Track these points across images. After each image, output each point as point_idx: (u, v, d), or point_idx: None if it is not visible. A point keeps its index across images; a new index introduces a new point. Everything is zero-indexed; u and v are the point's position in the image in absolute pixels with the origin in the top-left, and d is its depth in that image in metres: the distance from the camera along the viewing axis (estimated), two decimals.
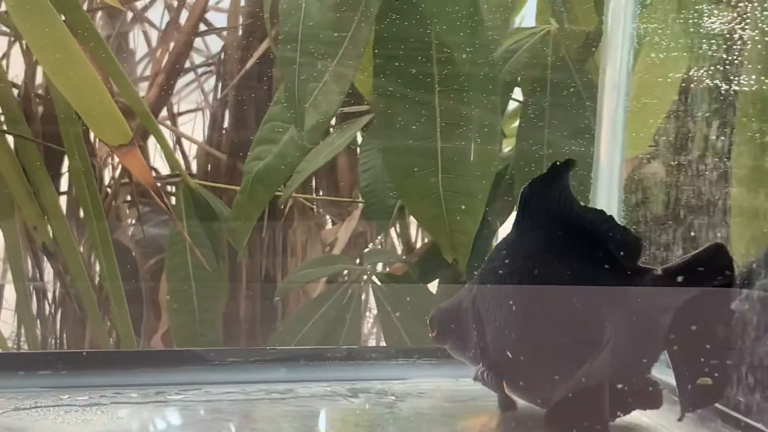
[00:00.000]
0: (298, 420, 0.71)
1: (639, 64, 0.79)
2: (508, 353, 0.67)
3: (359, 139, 1.20)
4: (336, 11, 0.91)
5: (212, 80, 1.43)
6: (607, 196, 0.80)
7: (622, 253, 0.67)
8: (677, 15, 0.76)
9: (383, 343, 1.12)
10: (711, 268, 0.65)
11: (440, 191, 0.95)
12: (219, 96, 1.33)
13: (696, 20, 0.73)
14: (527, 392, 0.69)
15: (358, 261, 1.28)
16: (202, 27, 1.35)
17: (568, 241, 0.67)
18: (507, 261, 0.69)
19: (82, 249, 1.25)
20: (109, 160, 1.37)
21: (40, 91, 1.30)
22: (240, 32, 1.30)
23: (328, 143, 1.07)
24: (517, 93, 1.11)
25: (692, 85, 0.73)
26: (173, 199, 1.26)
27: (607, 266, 0.66)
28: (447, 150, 0.95)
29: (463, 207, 0.95)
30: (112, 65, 1.06)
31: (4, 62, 1.25)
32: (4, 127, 1.14)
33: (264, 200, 0.99)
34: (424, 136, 0.95)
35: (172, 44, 1.28)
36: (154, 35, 1.41)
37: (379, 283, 1.08)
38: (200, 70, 1.41)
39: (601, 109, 0.81)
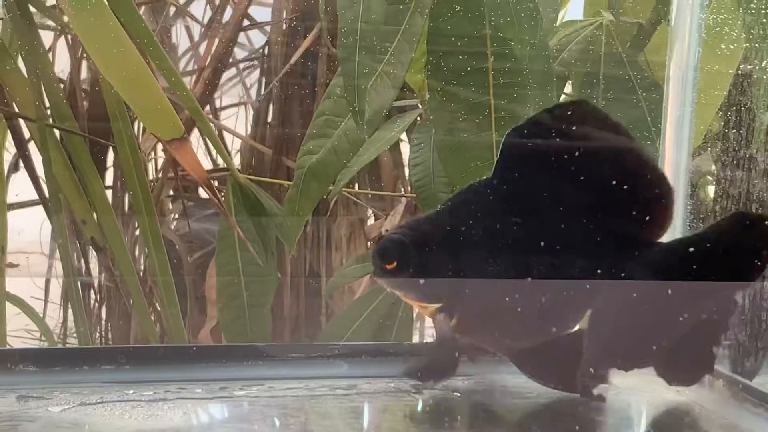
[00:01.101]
0: (364, 416, 0.71)
1: (706, 56, 0.78)
2: (490, 298, 0.68)
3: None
4: (392, 3, 0.90)
5: (254, 74, 1.43)
6: None
7: (648, 217, 0.67)
8: (748, 5, 0.75)
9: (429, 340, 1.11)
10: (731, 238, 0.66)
11: None
12: (263, 91, 1.33)
13: None
14: (493, 339, 0.71)
15: None
16: (245, 22, 1.34)
17: (575, 195, 0.66)
18: (495, 208, 0.68)
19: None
20: (152, 154, 1.37)
21: (85, 86, 1.30)
22: (284, 26, 1.29)
23: (378, 138, 1.06)
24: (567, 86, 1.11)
25: (765, 77, 0.72)
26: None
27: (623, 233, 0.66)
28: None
29: None
30: (161, 60, 1.06)
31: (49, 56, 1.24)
32: (50, 122, 1.15)
33: (317, 195, 0.98)
34: (480, 130, 0.94)
35: (216, 39, 1.27)
36: (195, 30, 1.41)
37: None
38: (242, 65, 1.40)
39: (666, 102, 0.80)
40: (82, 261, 1.25)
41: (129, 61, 0.98)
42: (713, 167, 0.92)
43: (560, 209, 0.67)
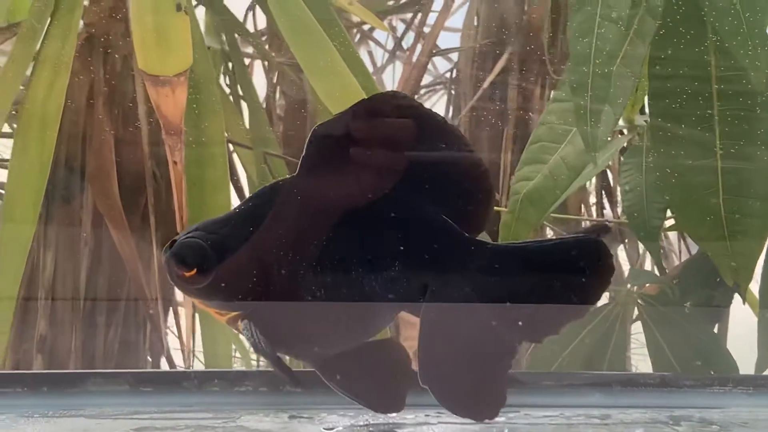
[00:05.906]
0: None
1: None
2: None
3: None
4: (623, 29, 0.90)
5: (433, 97, 1.44)
6: None
7: (470, 207, 0.64)
8: None
9: (645, 366, 1.10)
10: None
11: (722, 212, 0.93)
12: (452, 116, 1.34)
13: None
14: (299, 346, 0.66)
15: None
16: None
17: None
18: (302, 207, 0.62)
19: None
20: None
21: (278, 111, 1.34)
22: (474, 53, 1.30)
23: None
24: None
25: None
26: None
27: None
28: (728, 170, 0.93)
29: (746, 229, 0.92)
30: (369, 84, 1.08)
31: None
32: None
33: (534, 221, 0.99)
34: (704, 156, 0.93)
35: (409, 67, 1.29)
36: (377, 55, 1.44)
37: (643, 304, 1.06)
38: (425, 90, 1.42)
39: None
40: None
41: (348, 88, 1.01)
42: None
43: (374, 202, 0.63)
